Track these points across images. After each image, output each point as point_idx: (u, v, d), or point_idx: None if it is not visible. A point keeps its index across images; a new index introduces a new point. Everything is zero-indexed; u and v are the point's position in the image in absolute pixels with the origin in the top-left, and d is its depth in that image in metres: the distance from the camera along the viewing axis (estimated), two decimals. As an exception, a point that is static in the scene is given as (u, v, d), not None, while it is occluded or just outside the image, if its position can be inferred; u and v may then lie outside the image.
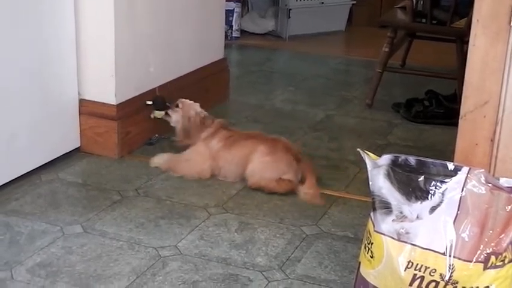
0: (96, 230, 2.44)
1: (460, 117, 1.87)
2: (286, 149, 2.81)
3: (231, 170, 2.83)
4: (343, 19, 5.82)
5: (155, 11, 3.17)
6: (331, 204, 2.70)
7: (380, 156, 1.83)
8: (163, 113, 3.05)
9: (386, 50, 3.87)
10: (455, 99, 3.62)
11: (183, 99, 3.01)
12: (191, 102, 3.00)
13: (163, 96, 3.12)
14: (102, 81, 2.99)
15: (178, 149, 2.98)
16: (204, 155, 2.88)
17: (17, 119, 2.71)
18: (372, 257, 1.80)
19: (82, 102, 3.03)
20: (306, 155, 3.04)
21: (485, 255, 1.66)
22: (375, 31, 5.30)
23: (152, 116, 3.09)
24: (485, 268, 1.66)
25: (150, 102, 3.11)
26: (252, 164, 2.79)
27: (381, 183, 1.78)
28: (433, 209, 1.71)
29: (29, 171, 2.79)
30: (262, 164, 2.78)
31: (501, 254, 1.66)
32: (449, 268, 1.68)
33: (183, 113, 2.97)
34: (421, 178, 1.73)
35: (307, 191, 2.72)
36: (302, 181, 2.77)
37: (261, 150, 2.80)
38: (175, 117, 2.99)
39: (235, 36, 5.41)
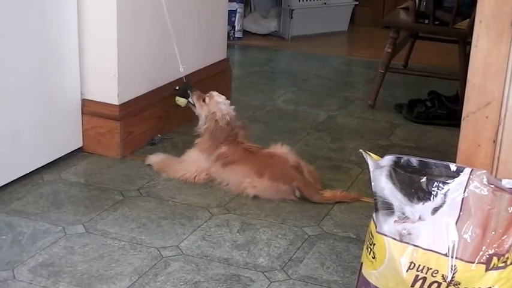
0: (98, 230, 2.44)
1: (462, 118, 1.87)
2: (274, 175, 2.71)
3: (227, 185, 2.80)
4: (346, 20, 5.82)
5: (157, 12, 3.17)
6: (333, 205, 2.70)
7: (382, 157, 1.83)
8: (185, 101, 2.94)
9: (389, 50, 3.87)
10: (457, 100, 3.62)
11: (214, 93, 2.89)
12: (220, 99, 2.87)
13: (189, 84, 3.01)
14: (104, 81, 3.00)
15: (181, 149, 2.98)
16: (199, 166, 2.83)
17: (20, 119, 2.71)
18: (374, 258, 1.80)
19: (84, 102, 3.03)
20: (308, 156, 3.04)
21: (488, 256, 1.66)
22: (378, 32, 5.30)
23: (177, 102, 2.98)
24: (487, 269, 1.66)
25: (177, 88, 3.02)
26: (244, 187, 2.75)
27: (383, 184, 1.78)
28: (435, 210, 1.71)
29: (31, 171, 2.80)
30: (254, 192, 2.74)
31: (503, 255, 1.66)
32: (452, 269, 1.68)
33: (208, 112, 2.86)
34: (424, 179, 1.73)
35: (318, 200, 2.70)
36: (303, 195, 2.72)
37: (249, 181, 2.73)
38: (200, 113, 2.89)
39: (237, 37, 5.41)
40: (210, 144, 2.83)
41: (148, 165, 2.95)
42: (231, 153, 2.79)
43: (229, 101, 2.91)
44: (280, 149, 2.84)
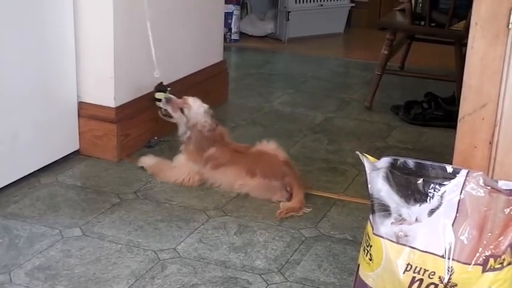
0: (95, 233, 2.44)
1: (458, 119, 1.87)
2: (266, 173, 2.72)
3: (220, 185, 2.81)
4: (342, 21, 5.83)
5: (154, 14, 3.17)
6: (330, 207, 2.70)
7: (379, 158, 1.83)
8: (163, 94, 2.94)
9: (386, 52, 3.87)
10: (454, 101, 3.62)
11: (190, 101, 2.86)
12: (196, 106, 2.85)
13: (163, 88, 3.05)
14: (101, 84, 3.00)
15: (178, 152, 2.97)
16: (191, 169, 2.83)
17: (16, 122, 2.71)
18: (370, 260, 1.80)
19: (81, 105, 3.03)
20: (305, 158, 3.05)
21: (484, 257, 1.66)
22: (374, 33, 5.30)
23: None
24: (484, 271, 1.66)
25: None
26: (237, 187, 2.77)
27: (379, 186, 1.78)
28: (431, 212, 1.71)
29: (28, 174, 2.79)
30: (247, 191, 2.76)
31: (500, 256, 1.66)
32: (448, 271, 1.68)
33: (188, 122, 2.84)
34: (420, 181, 1.73)
35: (289, 205, 2.64)
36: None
37: (241, 182, 2.75)
38: (179, 122, 2.88)
39: (234, 39, 5.41)
40: (196, 153, 2.84)
41: (141, 167, 2.94)
42: (220, 156, 2.80)
43: (206, 105, 2.88)
44: (268, 146, 2.83)
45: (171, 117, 2.90)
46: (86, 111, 3.03)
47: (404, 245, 1.73)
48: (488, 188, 1.67)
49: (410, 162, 1.79)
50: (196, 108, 2.85)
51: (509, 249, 1.67)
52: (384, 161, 1.80)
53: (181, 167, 2.85)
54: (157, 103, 2.98)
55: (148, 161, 2.95)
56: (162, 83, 3.11)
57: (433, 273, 1.69)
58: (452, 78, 3.80)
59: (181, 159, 2.88)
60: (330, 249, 2.40)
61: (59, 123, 2.93)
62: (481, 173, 1.69)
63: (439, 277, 1.69)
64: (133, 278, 2.17)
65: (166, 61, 3.30)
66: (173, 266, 2.25)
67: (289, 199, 2.68)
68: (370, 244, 1.80)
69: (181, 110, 2.86)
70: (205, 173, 2.82)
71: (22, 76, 2.70)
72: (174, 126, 3.27)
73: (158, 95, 2.99)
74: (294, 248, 2.39)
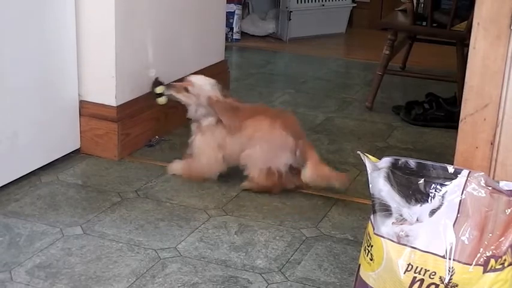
0: (95, 231, 2.44)
1: (460, 120, 1.87)
2: (285, 126, 2.70)
3: (236, 156, 2.76)
4: (344, 21, 5.83)
5: (156, 13, 3.17)
6: (331, 207, 2.70)
7: (380, 158, 1.83)
8: (165, 99, 2.89)
9: (387, 52, 3.87)
10: (455, 102, 3.62)
11: (193, 79, 2.81)
12: (201, 82, 2.80)
13: (158, 81, 3.00)
14: (102, 82, 3.00)
15: (178, 150, 2.98)
16: (212, 146, 2.76)
17: (18, 120, 2.71)
18: (371, 260, 1.80)
19: (82, 103, 3.03)
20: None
21: (485, 258, 1.66)
22: (376, 33, 5.30)
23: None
24: (484, 271, 1.66)
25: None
26: (247, 151, 2.73)
27: (380, 186, 1.78)
28: (432, 212, 1.71)
29: (28, 173, 2.79)
30: (256, 153, 2.71)
31: (501, 257, 1.66)
32: (449, 271, 1.68)
33: (198, 100, 2.77)
34: (421, 181, 1.73)
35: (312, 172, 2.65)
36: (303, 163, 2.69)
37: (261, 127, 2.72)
38: (189, 102, 2.80)
39: (235, 38, 5.42)
40: (231, 123, 2.74)
41: (168, 172, 2.91)
42: (235, 121, 2.74)
43: (211, 79, 2.84)
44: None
45: (179, 101, 2.84)
46: (87, 110, 3.03)
47: (405, 245, 1.73)
48: (490, 188, 1.67)
49: (412, 163, 1.78)
50: (201, 83, 2.81)
51: (510, 249, 1.67)
52: (385, 161, 1.80)
53: (204, 154, 2.78)
54: (158, 99, 2.94)
55: (177, 166, 2.89)
56: (157, 78, 3.04)
57: (433, 274, 1.69)
58: (454, 78, 3.81)
59: (195, 148, 2.81)
60: (330, 249, 2.40)
61: (60, 122, 2.94)
62: (482, 173, 1.69)
63: (440, 277, 1.69)
64: (133, 277, 2.17)
65: (167, 60, 3.30)
66: (174, 265, 2.26)
67: (294, 168, 2.70)
68: (371, 244, 1.80)
69: (186, 90, 2.80)
70: (225, 140, 2.74)
71: (23, 75, 2.70)
72: (175, 125, 3.29)
73: (158, 89, 2.93)
74: (295, 248, 2.39)
